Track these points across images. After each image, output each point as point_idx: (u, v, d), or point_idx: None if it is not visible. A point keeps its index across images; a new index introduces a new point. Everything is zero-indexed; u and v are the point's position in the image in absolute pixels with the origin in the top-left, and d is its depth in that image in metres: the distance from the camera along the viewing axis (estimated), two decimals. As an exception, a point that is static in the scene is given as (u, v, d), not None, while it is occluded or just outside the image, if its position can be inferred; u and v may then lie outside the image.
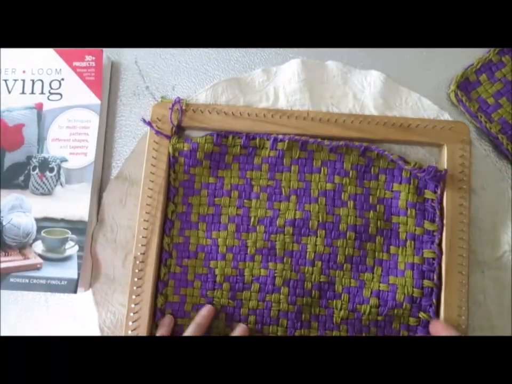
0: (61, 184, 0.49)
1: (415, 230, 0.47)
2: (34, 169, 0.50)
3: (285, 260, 0.47)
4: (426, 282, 0.45)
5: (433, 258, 0.46)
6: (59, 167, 0.50)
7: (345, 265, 0.46)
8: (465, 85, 0.50)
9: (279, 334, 0.46)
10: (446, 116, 0.49)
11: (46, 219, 0.49)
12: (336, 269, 0.46)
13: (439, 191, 0.46)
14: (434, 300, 0.45)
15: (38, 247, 0.48)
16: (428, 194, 0.47)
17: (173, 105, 0.48)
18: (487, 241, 0.48)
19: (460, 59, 0.51)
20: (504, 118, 0.49)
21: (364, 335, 0.46)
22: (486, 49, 0.50)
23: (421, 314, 0.45)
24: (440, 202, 0.46)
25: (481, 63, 0.50)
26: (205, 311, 0.45)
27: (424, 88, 0.50)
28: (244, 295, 0.46)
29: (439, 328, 0.43)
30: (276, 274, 0.46)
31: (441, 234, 0.46)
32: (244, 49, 0.53)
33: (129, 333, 0.45)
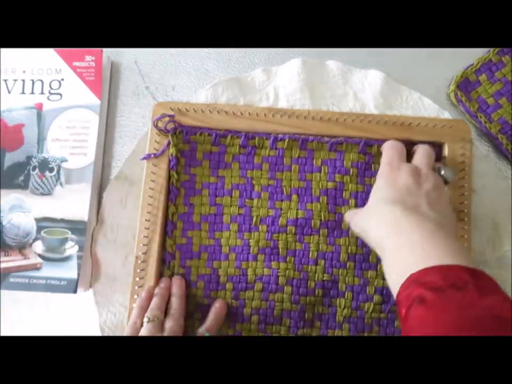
0: (61, 184, 0.49)
1: None
2: (34, 169, 0.50)
3: (288, 259, 0.46)
4: None
5: None
6: (59, 167, 0.49)
7: (348, 263, 0.46)
8: (465, 85, 0.50)
9: (281, 333, 0.46)
10: (446, 115, 0.49)
11: (46, 219, 0.48)
12: (340, 267, 0.46)
13: None
14: None
15: (38, 247, 0.48)
16: None
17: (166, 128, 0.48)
18: (487, 241, 0.48)
19: (460, 59, 0.51)
20: (504, 118, 0.49)
21: (366, 333, 0.46)
22: (486, 49, 0.51)
23: None
24: None
25: (481, 63, 0.50)
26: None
27: (424, 89, 0.50)
28: (247, 295, 0.46)
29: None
30: (279, 274, 0.46)
31: None
32: (244, 49, 0.53)
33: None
